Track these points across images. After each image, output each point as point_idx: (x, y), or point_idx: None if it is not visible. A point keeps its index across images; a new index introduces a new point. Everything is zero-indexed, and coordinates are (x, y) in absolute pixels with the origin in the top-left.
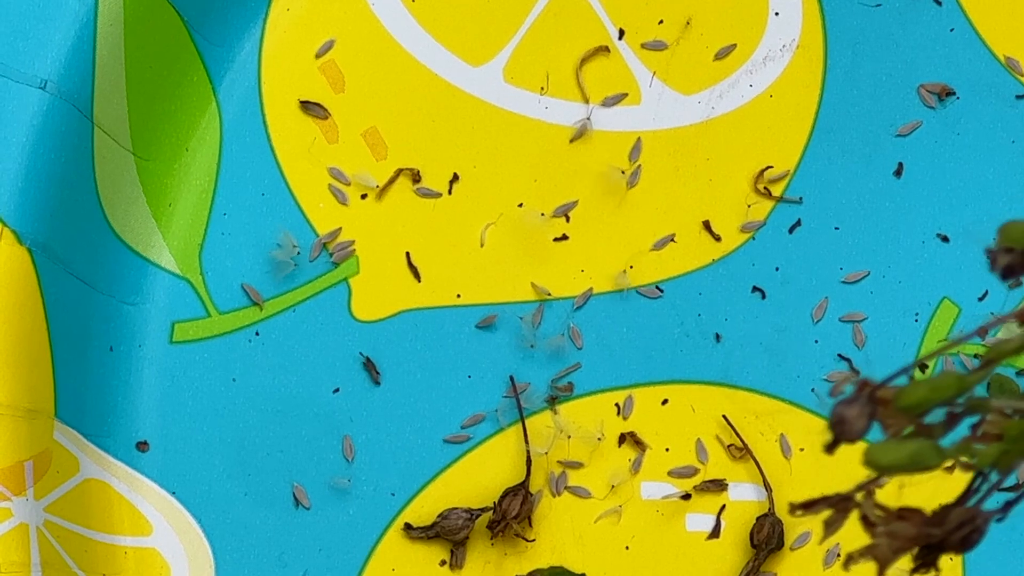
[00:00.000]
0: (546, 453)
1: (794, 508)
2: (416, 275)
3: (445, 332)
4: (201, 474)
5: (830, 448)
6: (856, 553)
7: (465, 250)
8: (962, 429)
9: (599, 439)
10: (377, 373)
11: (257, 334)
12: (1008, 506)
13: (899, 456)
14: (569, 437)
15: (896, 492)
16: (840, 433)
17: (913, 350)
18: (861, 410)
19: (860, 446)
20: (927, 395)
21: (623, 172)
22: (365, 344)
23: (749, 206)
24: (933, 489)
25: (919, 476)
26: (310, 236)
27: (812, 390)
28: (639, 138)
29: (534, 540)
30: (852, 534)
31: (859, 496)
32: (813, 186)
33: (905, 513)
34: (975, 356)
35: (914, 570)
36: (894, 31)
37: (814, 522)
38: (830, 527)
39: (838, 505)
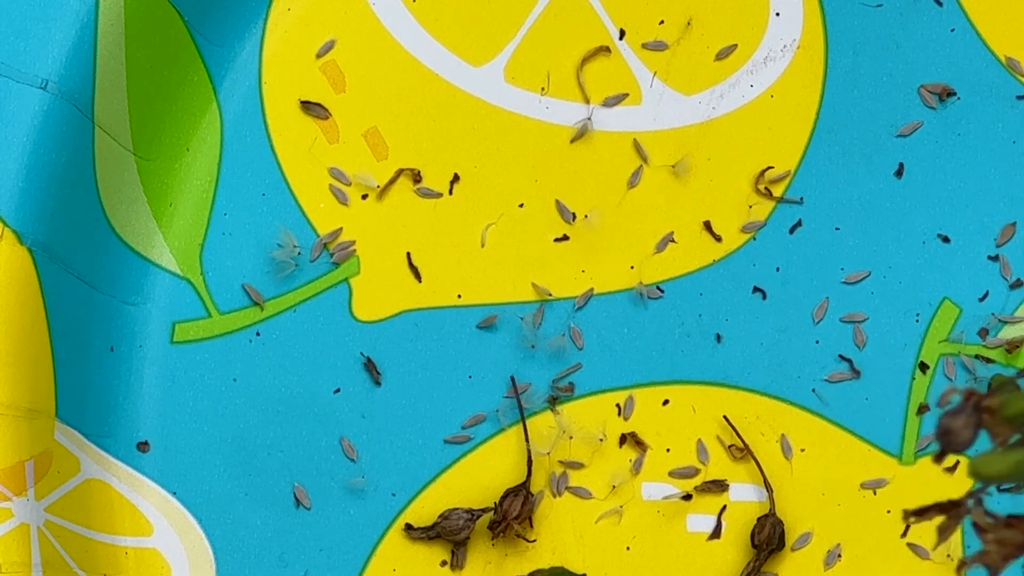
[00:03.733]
0: (548, 453)
1: (907, 515)
2: (417, 275)
3: (445, 332)
4: (202, 474)
5: (938, 459)
6: (969, 560)
7: (466, 250)
8: None
9: (601, 439)
10: (378, 373)
11: (258, 334)
12: None
13: (1004, 466)
14: (571, 438)
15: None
16: (947, 444)
17: (914, 350)
18: (967, 420)
19: (853, 444)
20: None
21: (623, 172)
22: (365, 344)
23: (751, 207)
24: None
25: None
26: (311, 236)
27: (813, 390)
28: (639, 138)
29: (535, 540)
30: (852, 534)
31: (970, 503)
32: (814, 186)
33: (1014, 521)
34: (976, 357)
35: None
36: (895, 31)
37: (815, 523)
38: (943, 533)
39: (950, 512)
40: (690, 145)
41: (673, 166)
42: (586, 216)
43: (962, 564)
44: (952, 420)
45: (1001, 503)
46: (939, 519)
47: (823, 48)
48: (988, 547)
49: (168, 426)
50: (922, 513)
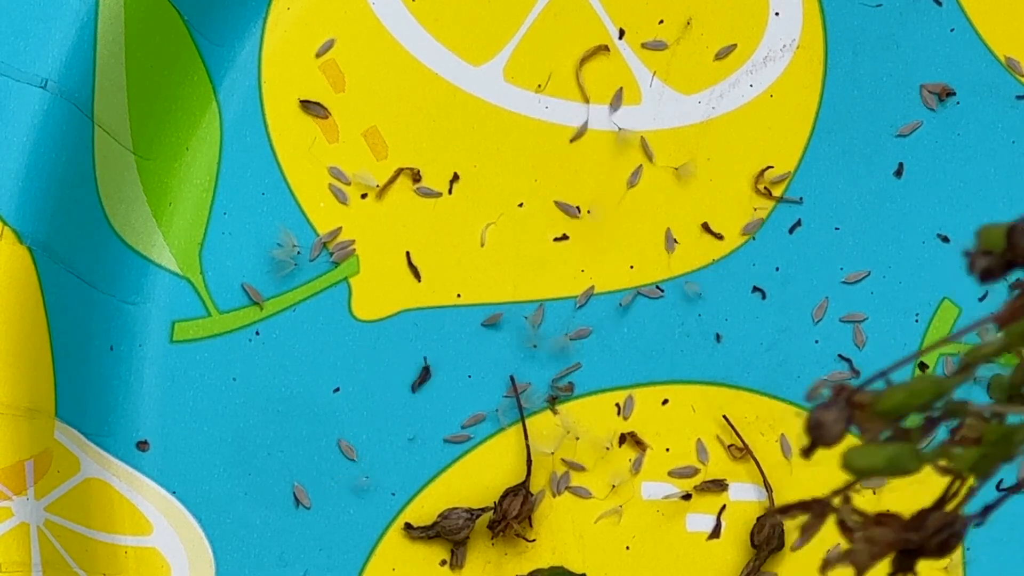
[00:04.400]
0: (552, 453)
1: (773, 513)
2: (416, 275)
3: (445, 332)
4: (201, 474)
5: (807, 452)
6: (833, 558)
7: (465, 250)
8: (941, 433)
9: (608, 448)
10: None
11: (257, 334)
12: (987, 510)
13: (877, 460)
14: (577, 439)
15: (874, 498)
16: (817, 437)
17: (913, 350)
18: (839, 414)
19: (853, 444)
20: (905, 400)
21: (623, 172)
22: (365, 344)
23: (755, 209)
24: (912, 495)
25: (897, 481)
26: (310, 236)
27: (818, 391)
28: (639, 138)
29: (535, 540)
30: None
31: (837, 501)
32: (813, 186)
33: (883, 518)
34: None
35: (891, 575)
36: (894, 31)
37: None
38: (807, 532)
39: (815, 510)
40: (690, 145)
41: (676, 168)
42: (588, 211)
43: (826, 563)
44: (823, 414)
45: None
46: (803, 517)
47: (823, 48)
48: (856, 546)
49: (168, 425)
50: (785, 511)
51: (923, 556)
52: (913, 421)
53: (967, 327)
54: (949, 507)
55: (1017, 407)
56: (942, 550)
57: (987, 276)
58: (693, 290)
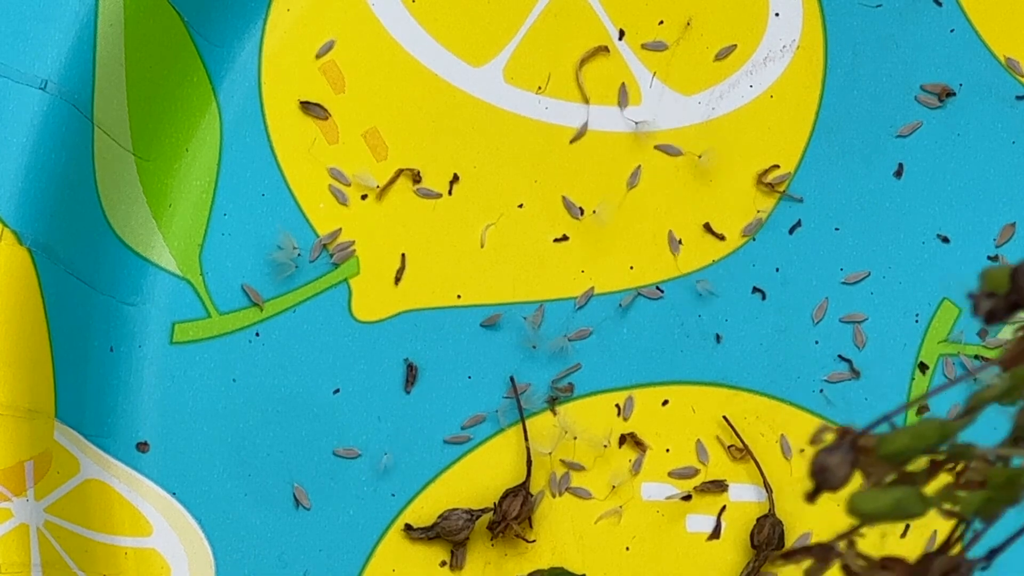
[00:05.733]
0: (550, 453)
1: (775, 558)
2: (398, 277)
3: (445, 333)
4: (201, 474)
5: (811, 497)
6: None
7: (465, 250)
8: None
9: (605, 445)
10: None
11: (257, 335)
12: (993, 554)
13: (882, 504)
14: (575, 439)
15: (879, 541)
16: (822, 481)
17: (913, 351)
18: (843, 458)
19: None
20: (909, 443)
21: (623, 172)
22: (365, 345)
23: (758, 211)
24: (916, 539)
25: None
26: (310, 236)
27: (821, 391)
28: (639, 139)
29: (534, 541)
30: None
31: (842, 545)
32: (813, 187)
33: (888, 562)
34: (975, 357)
35: None
36: (894, 31)
37: (814, 523)
38: None
39: (819, 555)
40: (689, 145)
41: (676, 169)
42: (594, 211)
43: None
44: (827, 457)
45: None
46: (807, 562)
47: (822, 48)
48: None
49: (168, 426)
50: (790, 556)
51: None
52: (918, 464)
53: (969, 373)
54: (954, 551)
55: (1022, 450)
56: None
57: (991, 318)
58: (693, 291)
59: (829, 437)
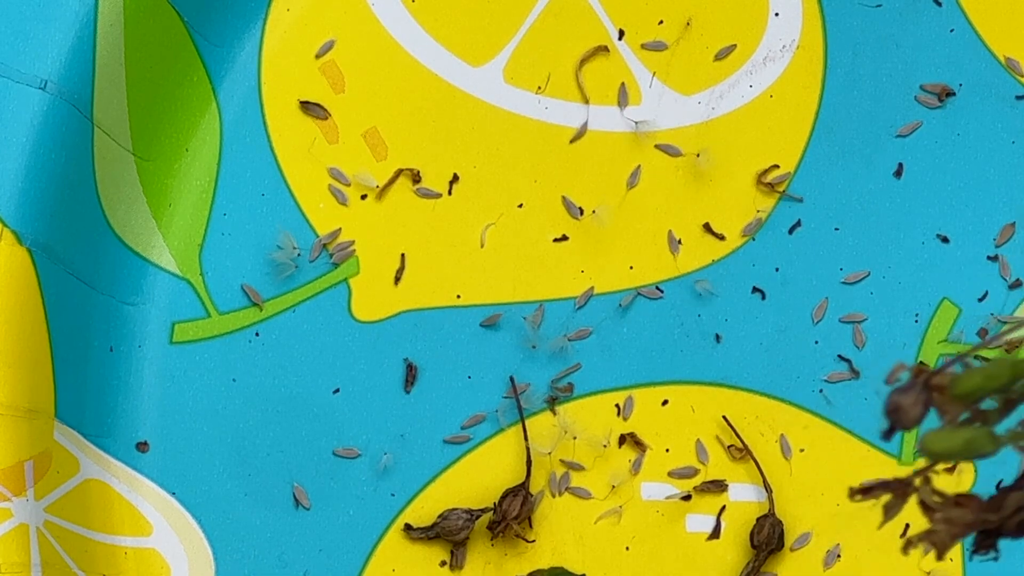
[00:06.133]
0: (549, 453)
1: (853, 492)
2: (397, 277)
3: (445, 332)
4: (201, 474)
5: (886, 435)
6: (915, 538)
7: (465, 250)
8: (1019, 414)
9: (604, 445)
10: (413, 378)
11: (257, 334)
12: None
13: (954, 443)
14: (575, 438)
15: (955, 480)
16: (896, 420)
17: (913, 350)
18: (916, 397)
19: (853, 444)
20: (981, 382)
21: (623, 172)
22: (365, 345)
23: (758, 211)
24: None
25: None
26: (310, 236)
27: (820, 391)
28: (639, 139)
29: (534, 541)
30: (852, 534)
31: (918, 481)
32: (813, 186)
33: (962, 499)
34: (975, 357)
35: (973, 554)
36: (894, 31)
37: (814, 523)
38: (889, 512)
39: (897, 490)
40: (689, 145)
41: (676, 169)
42: (594, 211)
43: (908, 543)
44: (901, 397)
45: None
46: (885, 497)
47: (822, 48)
48: (936, 526)
49: (167, 426)
50: (867, 491)
51: (1003, 536)
52: (990, 403)
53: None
54: None
55: None
56: (1021, 530)
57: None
58: (693, 291)
59: (904, 376)
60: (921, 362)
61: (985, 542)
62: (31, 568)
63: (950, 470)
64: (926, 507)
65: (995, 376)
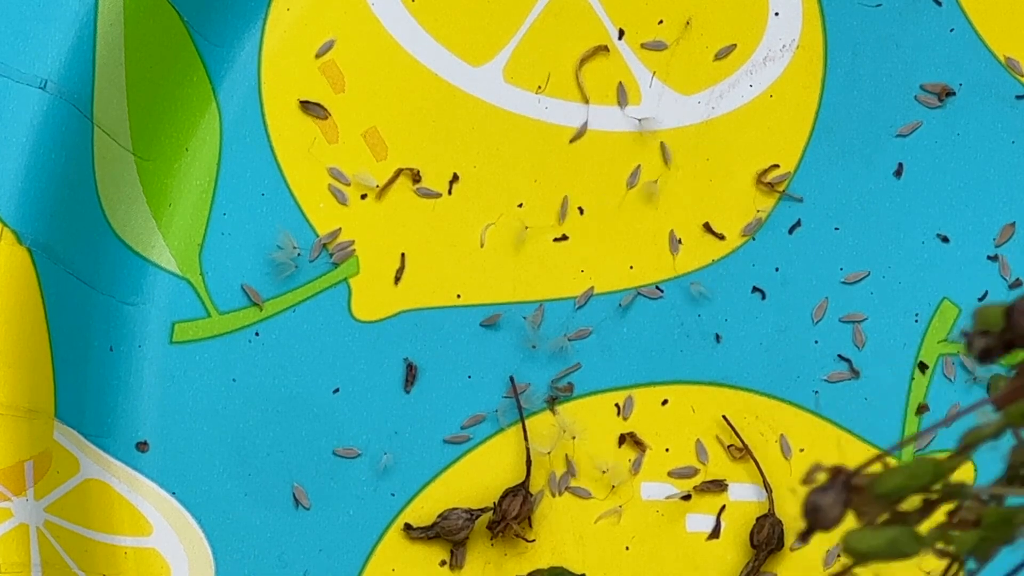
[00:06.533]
0: (549, 453)
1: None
2: (397, 277)
3: (445, 332)
4: (201, 474)
5: (804, 537)
6: None
7: (465, 250)
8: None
9: (604, 471)
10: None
11: (257, 334)
12: None
13: (877, 543)
14: (574, 438)
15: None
16: (815, 521)
17: (913, 350)
18: (836, 498)
19: (853, 444)
20: (903, 482)
21: (623, 172)
22: (365, 345)
23: (758, 211)
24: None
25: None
26: (310, 236)
27: (812, 391)
28: (639, 138)
29: (534, 540)
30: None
31: None
32: (813, 186)
33: None
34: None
35: None
36: (894, 31)
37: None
38: None
39: None
40: (689, 145)
41: (676, 169)
42: (589, 211)
43: None
44: (820, 497)
45: None
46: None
47: (822, 48)
48: None
49: (167, 426)
50: None
51: None
52: (911, 503)
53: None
54: None
55: (1016, 489)
56: None
57: (985, 356)
58: (693, 290)
59: (821, 477)
60: (838, 465)
61: None
62: (31, 568)
63: None
64: None
65: (917, 475)
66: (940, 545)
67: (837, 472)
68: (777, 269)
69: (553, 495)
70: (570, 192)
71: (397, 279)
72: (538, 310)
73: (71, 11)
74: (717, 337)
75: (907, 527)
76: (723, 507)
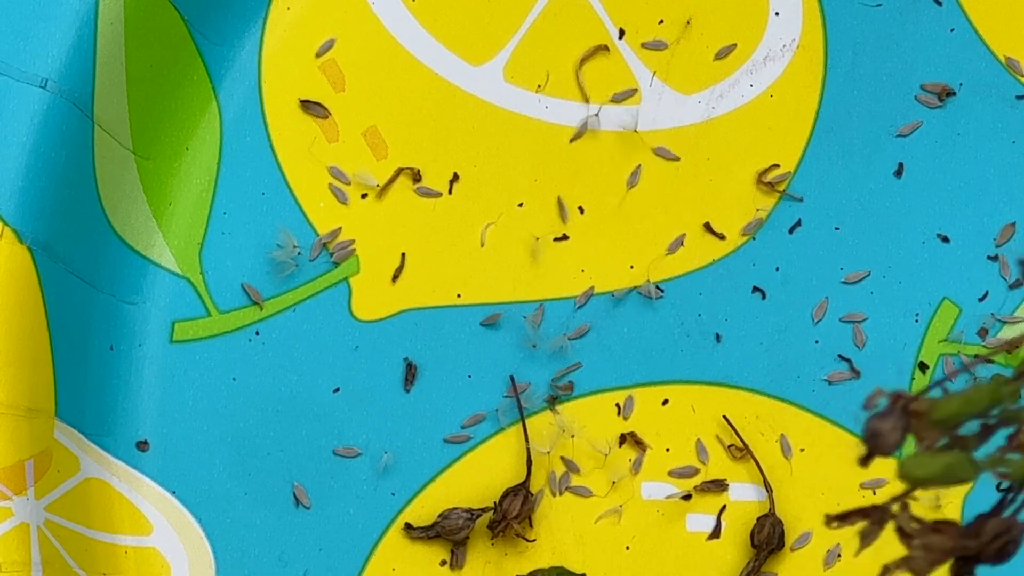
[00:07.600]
0: (548, 452)
1: (829, 520)
2: (396, 276)
3: (445, 332)
4: (201, 474)
5: (864, 461)
6: (892, 565)
7: (465, 250)
8: (997, 439)
9: (606, 454)
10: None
11: (257, 334)
12: None
13: (933, 469)
14: (573, 436)
15: (933, 503)
16: (874, 446)
17: (913, 350)
18: (895, 423)
19: (853, 444)
20: (961, 407)
21: (623, 172)
22: (365, 344)
23: (758, 210)
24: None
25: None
26: (310, 235)
27: (813, 391)
28: (639, 138)
29: (535, 540)
30: (852, 534)
31: (895, 508)
32: (813, 186)
33: (940, 525)
34: (975, 357)
35: None
36: (894, 31)
37: (814, 523)
38: (866, 539)
39: (873, 517)
40: (689, 145)
41: (677, 169)
42: (589, 211)
43: (885, 570)
44: (880, 423)
45: None
46: (862, 524)
47: (823, 48)
48: (914, 553)
49: (168, 425)
50: (844, 518)
51: (981, 562)
52: (969, 428)
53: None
54: (1006, 513)
55: None
56: (1000, 556)
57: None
58: (693, 290)
59: (882, 401)
60: (901, 389)
61: (963, 569)
62: (32, 567)
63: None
64: (904, 534)
65: (974, 401)
66: (998, 469)
67: (897, 398)
68: (777, 269)
69: (553, 495)
70: (570, 192)
71: (397, 278)
72: (538, 310)
73: (71, 10)
74: (717, 337)
75: (963, 452)
76: (723, 507)
